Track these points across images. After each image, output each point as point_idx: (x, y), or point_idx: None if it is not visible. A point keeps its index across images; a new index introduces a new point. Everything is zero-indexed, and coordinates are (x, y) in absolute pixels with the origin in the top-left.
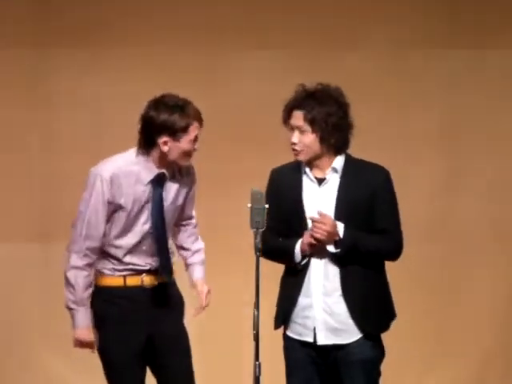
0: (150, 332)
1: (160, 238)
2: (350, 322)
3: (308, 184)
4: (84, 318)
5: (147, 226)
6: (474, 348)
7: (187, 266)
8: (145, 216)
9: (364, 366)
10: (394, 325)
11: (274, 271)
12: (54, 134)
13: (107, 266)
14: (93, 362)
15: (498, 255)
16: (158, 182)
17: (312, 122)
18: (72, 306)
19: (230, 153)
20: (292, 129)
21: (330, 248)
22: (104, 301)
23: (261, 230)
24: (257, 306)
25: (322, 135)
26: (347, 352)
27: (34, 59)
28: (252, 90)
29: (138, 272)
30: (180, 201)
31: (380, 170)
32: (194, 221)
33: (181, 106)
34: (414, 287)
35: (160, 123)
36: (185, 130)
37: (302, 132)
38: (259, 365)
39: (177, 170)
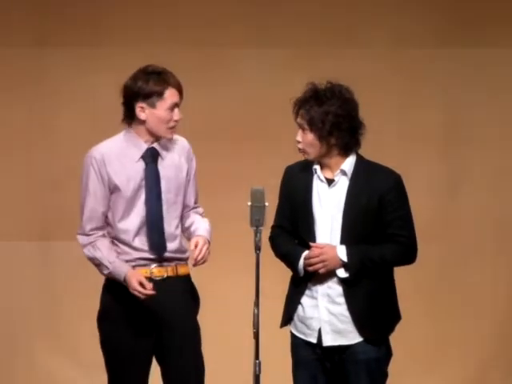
0: (156, 325)
1: (152, 212)
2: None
3: (318, 184)
4: (121, 267)
5: None
6: (474, 348)
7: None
8: (144, 195)
9: (369, 365)
10: None
11: (276, 270)
12: (53, 132)
13: (118, 254)
14: (92, 361)
15: (498, 255)
16: (150, 158)
17: (309, 121)
18: (106, 271)
19: (230, 151)
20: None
21: (340, 273)
22: (110, 291)
23: (261, 228)
24: (257, 304)
25: (319, 134)
26: (352, 352)
27: (33, 58)
28: (252, 89)
29: (148, 262)
30: (181, 179)
31: (390, 174)
32: (198, 209)
33: (158, 73)
34: (413, 287)
35: (136, 89)
36: (160, 94)
37: (303, 130)
38: (259, 363)
39: (171, 147)
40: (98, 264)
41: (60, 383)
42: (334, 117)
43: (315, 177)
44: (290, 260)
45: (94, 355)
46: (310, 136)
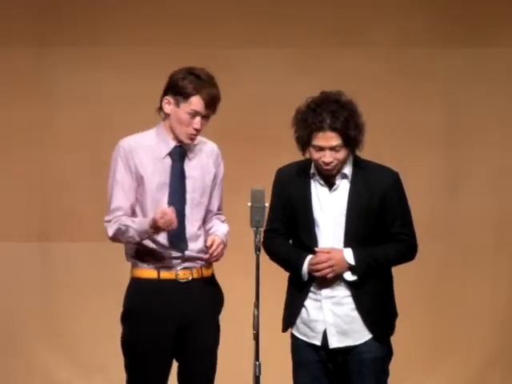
0: (180, 327)
1: (174, 207)
2: (361, 324)
3: (317, 188)
4: (143, 220)
5: None
6: (475, 348)
7: None
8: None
9: (373, 364)
10: None
11: (276, 271)
12: (53, 132)
13: (142, 255)
14: (91, 361)
15: (498, 255)
16: (177, 156)
17: (348, 140)
18: (133, 231)
19: (230, 152)
20: (320, 149)
21: (347, 276)
22: (135, 293)
23: (261, 229)
24: (257, 305)
25: (353, 147)
26: (357, 352)
27: (34, 57)
28: (252, 89)
29: (173, 263)
30: (207, 181)
31: (388, 173)
32: (220, 216)
33: (198, 76)
34: (414, 287)
35: (172, 81)
36: (186, 96)
37: (336, 151)
38: (259, 365)
39: (200, 148)
40: (123, 233)
41: (58, 383)
42: (360, 126)
43: (313, 181)
44: (291, 265)
45: (93, 355)
46: (345, 151)
